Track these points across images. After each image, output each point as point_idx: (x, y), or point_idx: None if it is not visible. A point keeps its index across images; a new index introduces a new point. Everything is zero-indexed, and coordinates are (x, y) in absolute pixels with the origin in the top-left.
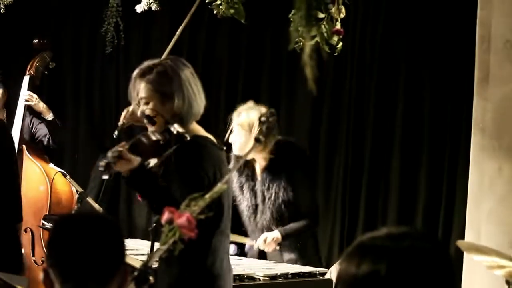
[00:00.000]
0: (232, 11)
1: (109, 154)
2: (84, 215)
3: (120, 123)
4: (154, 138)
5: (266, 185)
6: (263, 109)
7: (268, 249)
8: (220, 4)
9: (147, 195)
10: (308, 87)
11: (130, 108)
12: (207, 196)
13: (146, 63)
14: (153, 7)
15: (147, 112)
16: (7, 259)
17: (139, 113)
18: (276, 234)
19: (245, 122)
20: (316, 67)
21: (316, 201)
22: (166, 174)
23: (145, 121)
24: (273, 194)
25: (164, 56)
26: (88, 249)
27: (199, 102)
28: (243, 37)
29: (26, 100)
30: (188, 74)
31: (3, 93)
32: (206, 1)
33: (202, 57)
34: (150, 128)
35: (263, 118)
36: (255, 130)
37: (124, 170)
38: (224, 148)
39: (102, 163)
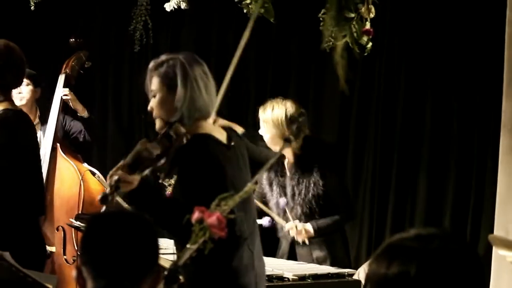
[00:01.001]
0: (262, 10)
1: (108, 181)
2: (119, 213)
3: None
4: (154, 152)
5: (296, 180)
6: (289, 104)
7: (297, 238)
8: (250, 3)
9: (151, 212)
10: (337, 85)
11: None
12: (237, 196)
13: (161, 57)
14: (182, 5)
15: (149, 108)
16: (30, 251)
17: (148, 108)
18: (308, 226)
19: (270, 118)
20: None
21: (348, 194)
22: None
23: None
24: (303, 190)
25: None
26: (122, 247)
27: (206, 100)
28: (272, 36)
29: (65, 95)
30: (198, 71)
31: (33, 89)
32: (236, 0)
33: (231, 54)
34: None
35: (293, 118)
36: (283, 127)
37: (125, 191)
38: (232, 145)
39: (99, 196)
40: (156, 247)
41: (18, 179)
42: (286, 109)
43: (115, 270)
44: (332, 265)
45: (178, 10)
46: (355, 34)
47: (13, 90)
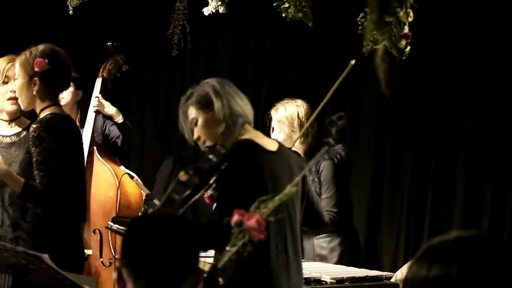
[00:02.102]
0: (300, 14)
1: None
2: (160, 216)
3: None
4: (195, 181)
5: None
6: (299, 102)
7: None
8: (289, 7)
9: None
10: (374, 89)
11: None
12: (276, 198)
13: (188, 92)
14: (221, 10)
15: (195, 138)
16: (68, 255)
17: (195, 138)
18: None
19: (284, 116)
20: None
21: (340, 200)
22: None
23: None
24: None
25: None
26: (162, 250)
27: (242, 105)
28: (308, 40)
29: (94, 106)
30: (225, 83)
31: (74, 92)
32: (274, 4)
33: (269, 59)
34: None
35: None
36: (297, 125)
37: None
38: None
39: None
40: (196, 250)
41: (63, 184)
42: (297, 107)
43: (155, 273)
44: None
45: (215, 14)
46: (393, 38)
47: None
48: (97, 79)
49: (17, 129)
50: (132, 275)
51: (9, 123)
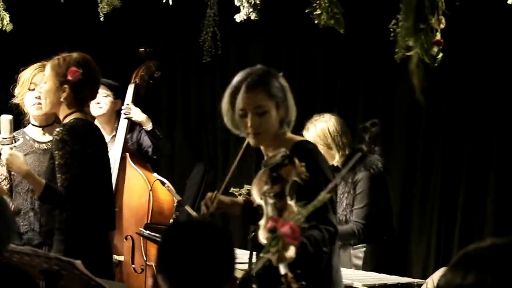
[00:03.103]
0: (332, 21)
1: None
2: (196, 223)
3: (205, 211)
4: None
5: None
6: (327, 117)
7: None
8: (321, 14)
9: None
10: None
11: (216, 195)
12: (310, 204)
13: (251, 72)
14: (253, 16)
15: (250, 124)
16: (97, 264)
17: (250, 124)
18: None
19: (316, 135)
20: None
21: (371, 212)
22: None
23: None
24: (340, 197)
25: None
26: (198, 257)
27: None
28: (340, 47)
29: (124, 113)
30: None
31: (112, 101)
32: (306, 11)
33: (299, 66)
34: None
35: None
36: (328, 139)
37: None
38: None
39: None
40: (232, 257)
41: (86, 188)
42: (326, 122)
43: (191, 279)
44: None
45: (247, 21)
46: (425, 45)
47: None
48: (129, 86)
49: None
50: (168, 281)
51: (42, 129)
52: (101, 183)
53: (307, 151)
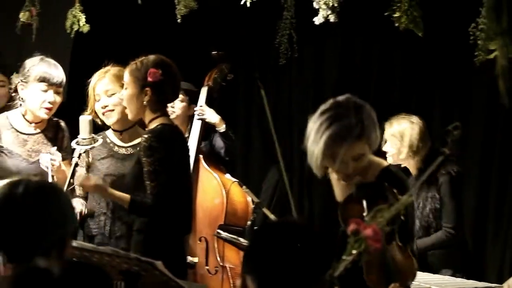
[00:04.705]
0: (412, 24)
1: None
2: (287, 224)
3: None
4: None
5: (415, 194)
6: (414, 119)
7: None
8: (401, 17)
9: None
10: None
11: None
12: (392, 207)
13: (346, 125)
14: (332, 19)
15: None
16: (174, 269)
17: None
18: None
19: (397, 131)
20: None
21: (458, 214)
22: None
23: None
24: (421, 203)
25: None
26: (290, 258)
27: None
28: (417, 50)
29: (197, 115)
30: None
31: (186, 106)
32: (386, 14)
33: (377, 68)
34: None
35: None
36: (409, 140)
37: None
38: None
39: None
40: (322, 258)
41: (172, 194)
42: (411, 124)
43: (280, 281)
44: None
45: (323, 23)
46: (505, 48)
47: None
48: (202, 88)
49: (136, 141)
50: (257, 282)
51: (120, 134)
52: (183, 187)
53: (397, 176)
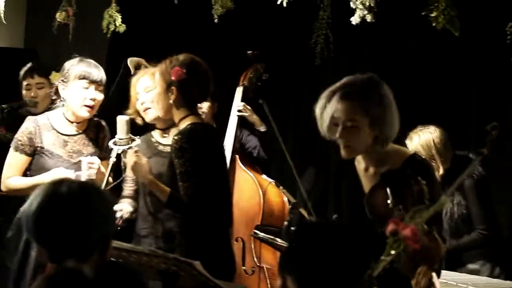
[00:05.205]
0: (448, 24)
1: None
2: (328, 224)
3: None
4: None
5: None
6: (432, 128)
7: None
8: (438, 16)
9: None
10: None
11: None
12: (431, 208)
13: (349, 82)
14: (368, 18)
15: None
16: (221, 264)
17: (337, 135)
18: None
19: (419, 145)
20: None
21: (488, 216)
22: None
23: None
24: (449, 209)
25: None
26: (330, 258)
27: (398, 123)
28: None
29: (239, 111)
30: (390, 93)
31: (210, 105)
32: (423, 13)
33: (412, 67)
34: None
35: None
36: (431, 150)
37: None
38: None
39: None
40: (361, 258)
41: (208, 193)
42: (431, 134)
43: (321, 280)
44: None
45: (360, 23)
46: None
47: None
48: (238, 88)
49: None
50: (297, 283)
51: (164, 132)
52: (220, 184)
53: (423, 164)
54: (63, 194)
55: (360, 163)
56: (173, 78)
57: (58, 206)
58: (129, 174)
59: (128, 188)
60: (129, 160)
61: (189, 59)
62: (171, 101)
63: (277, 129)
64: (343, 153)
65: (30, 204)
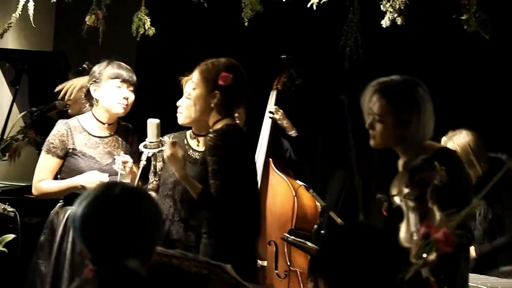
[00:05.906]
0: (479, 27)
1: None
2: (360, 227)
3: None
4: None
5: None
6: (464, 133)
7: None
8: (469, 19)
9: None
10: None
11: None
12: (463, 211)
13: (387, 80)
14: (399, 21)
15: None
16: (244, 273)
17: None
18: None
19: (459, 148)
20: None
21: None
22: None
23: None
24: (482, 211)
25: None
26: (362, 261)
27: (432, 126)
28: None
29: (270, 112)
30: (426, 97)
31: (243, 111)
32: (454, 16)
33: (443, 72)
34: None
35: None
36: (467, 154)
37: None
38: None
39: None
40: (393, 261)
41: (237, 194)
42: (466, 138)
43: (352, 283)
44: None
45: (389, 26)
46: None
47: None
48: (272, 92)
49: None
50: (329, 286)
51: (196, 137)
52: (249, 189)
53: (449, 156)
54: (116, 196)
55: (400, 160)
56: (221, 82)
57: (110, 208)
58: (159, 167)
59: (155, 182)
60: (166, 151)
61: (232, 63)
62: (212, 105)
63: (307, 133)
64: (370, 141)
65: (80, 204)
